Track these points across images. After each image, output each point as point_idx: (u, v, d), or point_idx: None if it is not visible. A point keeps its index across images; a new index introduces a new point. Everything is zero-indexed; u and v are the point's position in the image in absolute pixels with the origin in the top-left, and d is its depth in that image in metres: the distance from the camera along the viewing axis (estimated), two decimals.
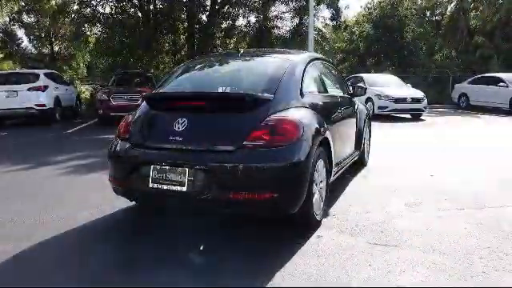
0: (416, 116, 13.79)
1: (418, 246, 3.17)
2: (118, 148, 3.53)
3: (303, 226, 3.49)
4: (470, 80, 17.87)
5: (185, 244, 3.26)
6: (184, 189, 3.05)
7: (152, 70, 17.20)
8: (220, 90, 3.50)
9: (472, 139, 9.11)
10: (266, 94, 3.28)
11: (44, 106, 11.98)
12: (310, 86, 3.94)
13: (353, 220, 3.77)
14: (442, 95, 19.87)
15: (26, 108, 11.74)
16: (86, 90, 19.35)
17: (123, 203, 4.02)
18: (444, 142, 8.61)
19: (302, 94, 3.63)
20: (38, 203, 4.35)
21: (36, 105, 11.79)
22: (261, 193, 3.01)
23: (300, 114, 3.35)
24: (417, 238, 3.35)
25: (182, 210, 3.59)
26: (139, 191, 3.28)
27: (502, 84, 15.85)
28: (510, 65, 20.19)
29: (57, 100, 12.67)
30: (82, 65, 24.73)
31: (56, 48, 24.64)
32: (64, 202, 4.38)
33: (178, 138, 3.16)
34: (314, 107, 3.73)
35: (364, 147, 5.84)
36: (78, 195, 4.67)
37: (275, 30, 22.19)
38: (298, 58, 3.95)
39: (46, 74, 12.80)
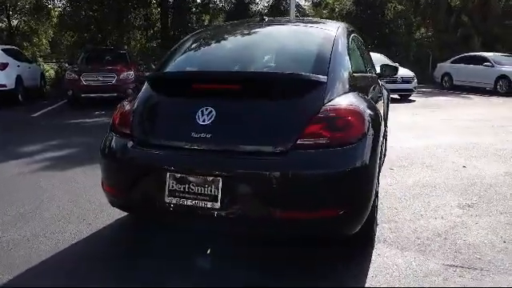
0: (405, 96, 13.28)
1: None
2: (114, 146, 2.65)
3: (358, 243, 2.76)
4: (453, 59, 17.53)
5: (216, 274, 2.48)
6: (217, 205, 2.24)
7: (126, 47, 15.86)
8: (252, 68, 2.67)
9: (481, 122, 8.58)
10: (319, 76, 2.47)
11: (4, 86, 10.61)
12: (355, 65, 3.16)
13: (409, 231, 3.08)
14: (422, 75, 19.50)
15: None
16: (50, 69, 17.75)
17: (116, 212, 3.17)
18: (452, 127, 8.04)
19: (352, 75, 2.85)
20: (6, 213, 3.42)
21: None
22: (322, 210, 2.25)
23: (359, 101, 2.58)
24: (502, 255, 2.69)
25: (212, 231, 2.72)
26: (149, 207, 2.43)
27: (487, 64, 15.58)
28: (489, 45, 20.02)
29: (19, 79, 11.29)
30: (44, 41, 22.78)
31: (14, 22, 22.55)
32: (40, 212, 3.46)
33: (204, 134, 2.32)
34: (363, 91, 2.98)
35: (387, 135, 5.14)
36: (56, 200, 3.74)
37: (253, 6, 21.17)
38: (338, 28, 3.12)
39: (4, 50, 11.36)
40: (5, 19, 21.83)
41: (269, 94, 2.42)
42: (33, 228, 3.11)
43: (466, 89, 16.25)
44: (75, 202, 3.67)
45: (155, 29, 19.51)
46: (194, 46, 3.19)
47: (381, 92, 4.37)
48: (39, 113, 9.97)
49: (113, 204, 2.75)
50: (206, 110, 2.37)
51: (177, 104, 2.57)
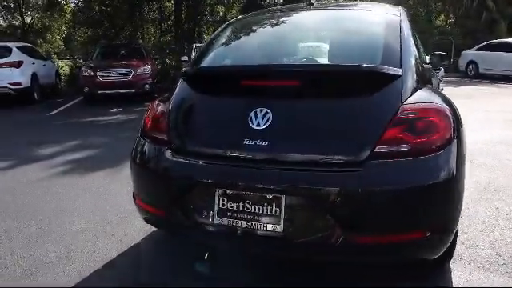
0: None
1: None
2: (149, 155, 2.26)
3: (433, 262, 2.33)
4: (478, 47, 16.80)
5: None
6: (278, 228, 1.84)
7: (140, 41, 15.51)
8: (310, 60, 2.23)
9: None
10: (395, 69, 2.03)
11: (19, 84, 10.36)
12: (419, 54, 2.71)
13: (485, 245, 2.66)
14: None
15: None
16: (64, 65, 17.51)
17: (148, 225, 2.79)
18: (495, 119, 7.46)
19: (421, 67, 2.42)
20: (25, 228, 3.07)
21: (10, 83, 10.15)
22: (407, 232, 1.84)
23: (439, 98, 2.14)
24: None
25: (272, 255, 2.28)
26: (194, 228, 2.04)
27: None
28: None
29: (34, 77, 11.02)
30: (58, 38, 22.56)
31: (28, 19, 22.39)
32: (62, 225, 3.11)
33: (260, 141, 1.92)
34: (432, 85, 2.55)
35: None
36: (80, 211, 3.39)
37: None
38: (400, 12, 2.66)
39: (19, 48, 11.10)
40: (18, 16, 21.69)
41: (336, 92, 2.00)
42: (56, 246, 2.76)
43: (493, 77, 15.53)
44: (100, 213, 3.31)
45: (169, 22, 19.11)
46: (234, 36, 2.77)
47: (438, 84, 3.91)
48: (55, 111, 9.69)
49: (148, 221, 2.37)
50: (261, 111, 1.96)
51: (223, 105, 2.16)
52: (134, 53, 11.88)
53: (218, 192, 1.93)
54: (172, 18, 18.70)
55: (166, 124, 2.23)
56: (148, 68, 10.76)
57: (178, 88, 2.42)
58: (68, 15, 19.15)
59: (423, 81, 2.27)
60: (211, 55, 2.59)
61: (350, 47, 2.35)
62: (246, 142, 1.93)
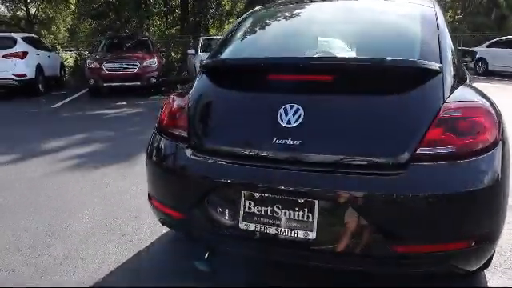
0: None
1: None
2: (167, 153, 2.11)
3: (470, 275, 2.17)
4: (488, 43, 16.55)
5: None
6: (311, 235, 1.69)
7: (147, 34, 15.31)
8: (342, 53, 2.07)
9: None
10: (436, 63, 1.87)
11: (24, 75, 10.20)
12: (455, 49, 2.54)
13: None
14: None
15: (3, 79, 9.96)
16: (69, 57, 17.35)
17: (160, 225, 2.65)
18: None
19: (458, 62, 2.25)
20: (32, 227, 2.93)
21: (14, 75, 10.01)
22: (451, 241, 1.68)
23: (481, 96, 1.98)
24: None
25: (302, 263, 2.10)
26: (218, 233, 1.89)
27: None
28: None
29: (39, 68, 10.86)
30: (62, 29, 22.37)
31: (32, 10, 22.19)
32: (71, 225, 2.97)
33: (290, 140, 1.76)
34: (469, 81, 2.39)
35: None
36: (88, 209, 3.24)
37: None
38: (434, 3, 2.48)
39: (24, 39, 10.93)
40: (23, 7, 21.49)
41: (373, 88, 1.83)
42: (64, 247, 2.62)
43: (501, 74, 15.29)
44: (110, 212, 3.16)
45: (175, 15, 18.91)
46: (255, 27, 2.59)
47: (470, 81, 3.75)
48: (60, 103, 9.55)
49: (165, 224, 2.22)
50: (291, 107, 1.80)
51: (248, 100, 1.99)
52: (140, 45, 11.71)
53: (244, 195, 1.78)
54: (178, 10, 18.50)
55: (185, 120, 2.07)
56: (154, 61, 10.60)
57: (196, 81, 2.26)
58: (72, 6, 18.94)
59: (460, 77, 2.12)
60: (232, 47, 2.42)
61: (384, 40, 2.18)
62: (276, 140, 1.77)
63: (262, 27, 2.59)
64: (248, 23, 2.60)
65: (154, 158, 2.16)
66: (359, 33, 2.31)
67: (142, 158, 4.71)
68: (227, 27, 21.17)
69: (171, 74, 15.83)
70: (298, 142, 1.75)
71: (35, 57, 10.88)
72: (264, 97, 1.95)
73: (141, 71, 10.24)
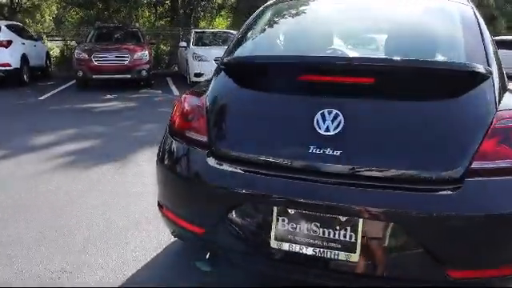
0: None
1: None
2: (182, 158, 1.90)
3: None
4: None
5: None
6: (354, 257, 1.50)
7: (137, 25, 14.89)
8: (378, 53, 1.88)
9: None
10: (486, 67, 1.69)
11: (9, 65, 9.80)
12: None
13: None
14: None
15: None
16: (55, 47, 16.80)
17: (166, 232, 2.43)
18: None
19: (501, 65, 2.08)
20: (24, 234, 2.69)
21: None
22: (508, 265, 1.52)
23: None
24: None
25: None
26: (245, 252, 1.69)
27: None
28: None
29: (24, 58, 10.44)
30: (47, 17, 21.65)
31: None
32: (67, 232, 2.73)
33: (330, 150, 1.57)
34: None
35: None
36: (86, 214, 3.01)
37: None
38: (470, 3, 2.30)
39: (8, 27, 10.49)
40: None
41: (421, 93, 1.65)
42: (61, 258, 2.38)
43: None
44: (109, 217, 2.93)
45: (165, 6, 18.47)
46: (279, 20, 2.37)
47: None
48: (47, 95, 9.17)
49: (178, 237, 2.02)
50: (329, 113, 1.61)
51: (278, 103, 1.78)
52: (131, 37, 11.37)
53: (277, 210, 1.58)
54: (168, 2, 18.07)
55: (203, 122, 1.86)
56: (146, 53, 10.28)
57: (215, 80, 2.04)
58: None
59: (504, 81, 1.95)
60: (254, 43, 2.21)
61: (425, 41, 1.99)
62: (313, 149, 1.58)
63: (286, 21, 2.37)
64: (267, 17, 2.38)
65: (168, 164, 1.95)
66: (397, 32, 2.12)
67: (139, 157, 4.51)
68: (218, 21, 20.86)
69: (160, 66, 15.48)
70: (339, 153, 1.56)
71: (20, 46, 10.46)
72: (297, 100, 1.75)
73: (132, 64, 9.92)
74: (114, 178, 3.76)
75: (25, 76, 10.50)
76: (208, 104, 1.91)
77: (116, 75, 9.90)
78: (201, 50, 10.48)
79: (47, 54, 13.18)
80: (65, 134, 5.51)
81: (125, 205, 3.14)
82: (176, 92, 9.75)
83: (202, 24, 18.99)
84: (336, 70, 1.69)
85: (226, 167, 1.71)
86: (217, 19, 20.44)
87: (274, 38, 2.29)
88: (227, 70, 1.99)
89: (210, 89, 2.00)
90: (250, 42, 2.23)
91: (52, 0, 19.43)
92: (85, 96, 9.08)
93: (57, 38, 19.13)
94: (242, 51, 2.16)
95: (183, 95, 2.12)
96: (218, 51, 10.60)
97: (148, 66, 10.26)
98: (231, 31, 12.92)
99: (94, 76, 9.85)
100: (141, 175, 3.82)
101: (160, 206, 2.04)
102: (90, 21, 16.58)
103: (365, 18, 2.25)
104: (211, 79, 2.10)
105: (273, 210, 1.58)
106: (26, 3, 20.60)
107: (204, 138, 1.82)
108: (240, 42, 2.27)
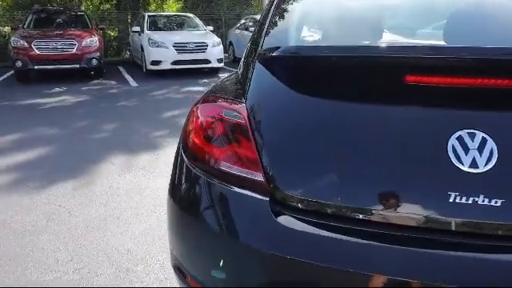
0: None
1: None
2: (223, 206, 1.23)
3: None
4: None
5: None
6: None
7: (82, 8, 13.48)
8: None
9: None
10: None
11: None
12: None
13: None
14: None
15: None
16: None
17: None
18: None
19: None
20: None
21: None
22: None
23: None
24: None
25: None
26: None
27: None
28: None
29: None
30: None
31: None
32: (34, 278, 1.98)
33: (483, 199, 0.97)
34: None
35: None
36: (45, 252, 2.25)
37: None
38: None
39: None
40: None
41: None
42: None
43: None
44: (81, 261, 2.20)
45: None
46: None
47: None
48: None
49: None
50: (471, 136, 1.01)
51: (377, 118, 1.15)
52: (76, 21, 10.15)
53: None
54: None
55: (252, 151, 1.20)
56: (95, 39, 9.18)
57: (255, 82, 1.37)
58: None
59: None
60: (297, 29, 1.55)
61: None
62: (456, 198, 0.98)
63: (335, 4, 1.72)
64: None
65: (196, 211, 1.28)
66: (486, 18, 1.56)
67: (107, 168, 3.68)
68: (170, 3, 19.61)
69: (109, 54, 14.24)
70: (500, 203, 0.97)
71: None
72: (410, 113, 1.13)
73: (80, 51, 8.81)
74: (76, 208, 2.93)
75: None
76: (253, 119, 1.25)
77: (63, 65, 8.76)
78: (158, 36, 9.54)
79: None
80: (8, 140, 4.55)
81: (101, 240, 2.40)
82: (133, 83, 8.79)
83: (152, 7, 17.76)
84: (472, 68, 1.09)
85: (300, 222, 1.07)
86: (168, 2, 19.20)
87: (327, 23, 1.64)
88: (277, 67, 1.33)
89: (249, 95, 1.33)
90: (293, 28, 1.57)
91: None
92: (27, 90, 7.93)
93: None
94: (291, 42, 1.49)
95: (202, 103, 1.44)
96: (178, 37, 9.74)
97: (98, 53, 9.19)
98: (188, 14, 12.01)
99: (35, 67, 8.64)
100: (115, 197, 3.06)
101: (178, 269, 1.38)
102: (25, 4, 14.91)
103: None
104: (238, 77, 1.44)
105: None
106: None
107: (258, 177, 1.16)
108: (273, 28, 1.60)
